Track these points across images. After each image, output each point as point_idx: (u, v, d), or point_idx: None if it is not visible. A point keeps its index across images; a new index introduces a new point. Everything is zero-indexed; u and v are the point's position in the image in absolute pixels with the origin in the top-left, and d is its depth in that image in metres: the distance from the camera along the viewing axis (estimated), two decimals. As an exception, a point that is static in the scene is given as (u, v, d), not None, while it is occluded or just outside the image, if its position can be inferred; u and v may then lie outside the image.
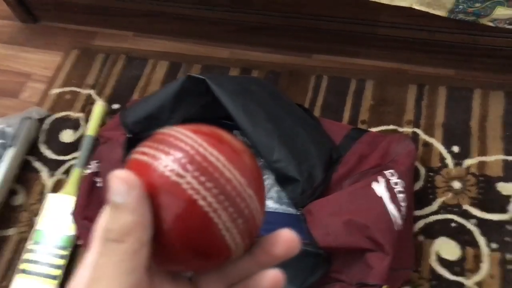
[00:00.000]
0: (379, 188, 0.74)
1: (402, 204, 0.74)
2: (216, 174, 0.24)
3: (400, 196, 0.74)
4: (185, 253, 0.25)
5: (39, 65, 1.26)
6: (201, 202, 0.23)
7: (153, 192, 0.24)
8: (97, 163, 0.90)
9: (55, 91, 1.20)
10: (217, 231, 0.24)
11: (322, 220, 0.72)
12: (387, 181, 0.75)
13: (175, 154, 0.24)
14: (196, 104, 0.86)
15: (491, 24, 0.85)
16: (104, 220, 0.26)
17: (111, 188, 0.24)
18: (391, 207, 0.72)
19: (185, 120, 0.85)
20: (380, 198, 0.72)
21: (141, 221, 0.23)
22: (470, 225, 0.89)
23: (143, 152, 0.25)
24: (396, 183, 0.75)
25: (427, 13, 0.84)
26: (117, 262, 0.23)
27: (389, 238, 0.69)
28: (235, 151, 0.25)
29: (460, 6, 0.80)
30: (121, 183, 0.23)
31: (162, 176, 0.24)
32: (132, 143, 0.86)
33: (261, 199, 0.26)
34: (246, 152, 0.26)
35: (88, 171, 0.92)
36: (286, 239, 0.26)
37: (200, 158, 0.24)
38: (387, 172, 0.77)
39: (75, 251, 0.96)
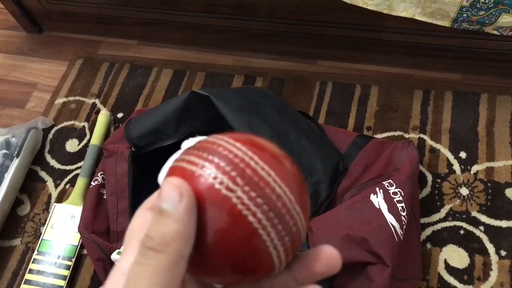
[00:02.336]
0: (378, 199, 0.73)
1: (402, 213, 0.73)
2: (267, 190, 0.23)
3: (400, 205, 0.73)
4: (225, 267, 0.24)
5: (44, 75, 1.27)
6: (251, 218, 0.23)
7: (199, 203, 0.23)
8: (102, 175, 0.90)
9: (60, 100, 1.20)
10: (264, 248, 0.23)
11: (321, 237, 0.71)
12: (386, 192, 0.74)
13: (225, 166, 0.23)
14: (201, 118, 0.85)
15: (495, 32, 0.83)
16: (137, 222, 0.26)
17: (161, 194, 0.22)
18: (390, 218, 0.71)
19: (190, 134, 0.85)
20: (379, 210, 0.72)
21: (184, 233, 0.22)
22: (478, 232, 0.87)
23: (189, 161, 0.24)
24: (395, 193, 0.74)
25: (431, 23, 0.84)
26: (153, 274, 0.22)
27: (389, 250, 0.68)
28: (281, 162, 0.24)
29: (464, 15, 0.79)
30: (173, 189, 0.22)
31: (211, 188, 0.23)
32: (136, 157, 0.86)
33: (307, 214, 0.25)
34: (289, 161, 0.25)
35: (94, 183, 0.92)
36: (328, 256, 0.25)
37: (251, 172, 0.23)
38: (385, 183, 0.76)
39: (79, 261, 0.96)
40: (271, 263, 0.24)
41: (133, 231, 0.26)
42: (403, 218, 0.73)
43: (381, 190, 0.75)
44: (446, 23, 0.83)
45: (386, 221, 0.71)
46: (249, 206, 0.23)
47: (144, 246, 0.23)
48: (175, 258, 0.22)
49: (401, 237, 0.71)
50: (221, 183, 0.23)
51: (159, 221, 0.22)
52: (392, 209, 0.73)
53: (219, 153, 0.24)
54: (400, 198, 0.74)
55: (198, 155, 0.24)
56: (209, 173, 0.23)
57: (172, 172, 0.25)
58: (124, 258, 0.25)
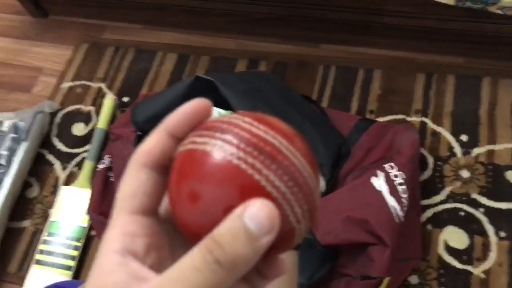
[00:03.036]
0: (378, 182, 0.75)
1: (403, 195, 0.74)
2: (285, 162, 0.23)
3: (401, 188, 0.75)
4: None
5: (50, 59, 1.28)
6: (269, 189, 0.22)
7: (216, 179, 0.23)
8: (109, 158, 0.91)
9: (66, 85, 1.22)
10: (286, 217, 0.23)
11: (322, 219, 0.73)
12: (387, 175, 0.76)
13: (239, 142, 0.23)
14: None
15: (499, 11, 0.84)
16: (130, 188, 0.25)
17: (254, 212, 0.21)
18: (390, 200, 0.73)
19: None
20: (379, 192, 0.73)
21: (254, 261, 0.21)
22: (478, 214, 0.89)
23: (203, 142, 0.24)
24: (396, 176, 0.76)
25: (435, 1, 0.84)
26: (206, 286, 0.21)
27: (389, 231, 0.70)
28: (294, 138, 0.25)
29: (468, -6, 0.80)
30: (268, 218, 0.21)
31: (228, 164, 0.23)
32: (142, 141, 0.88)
33: (318, 184, 0.25)
34: (302, 138, 0.25)
35: (102, 166, 0.94)
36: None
37: (269, 147, 0.23)
38: (386, 166, 0.77)
39: (88, 242, 0.98)
40: (292, 229, 0.23)
41: (124, 200, 0.25)
42: (403, 200, 0.75)
43: (382, 173, 0.77)
44: (450, 1, 0.83)
45: (387, 203, 0.73)
46: (268, 176, 0.23)
47: (212, 254, 0.21)
48: (235, 279, 0.21)
49: (402, 219, 0.73)
50: (239, 158, 0.23)
51: (238, 238, 0.21)
52: (393, 191, 0.75)
53: (232, 131, 0.24)
54: (401, 181, 0.75)
55: (209, 135, 0.24)
56: (222, 149, 0.23)
57: (181, 156, 0.24)
58: (115, 237, 0.24)
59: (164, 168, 0.26)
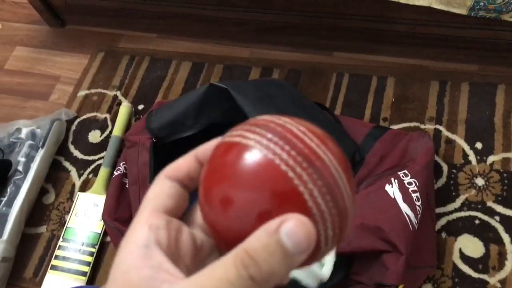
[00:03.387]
0: (393, 189, 0.74)
1: (417, 203, 0.74)
2: (318, 163, 0.22)
3: (414, 195, 0.74)
4: None
5: (67, 68, 1.30)
6: (304, 192, 0.21)
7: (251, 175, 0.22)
8: (124, 165, 0.92)
9: (83, 92, 1.23)
10: (317, 237, 0.22)
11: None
12: (400, 182, 0.76)
13: (278, 140, 0.22)
14: (219, 110, 0.88)
15: (513, 19, 0.84)
16: (155, 190, 0.26)
17: (290, 229, 0.20)
18: (404, 207, 0.72)
19: (208, 126, 0.87)
20: (394, 199, 0.73)
21: (285, 277, 0.21)
22: (494, 222, 0.88)
23: (243, 136, 0.23)
24: (410, 183, 0.75)
25: (448, 11, 0.84)
26: None
27: (403, 238, 0.70)
28: (329, 142, 0.24)
29: (481, 3, 0.79)
30: (306, 237, 0.21)
31: (270, 163, 0.22)
32: (157, 147, 0.89)
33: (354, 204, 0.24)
34: (335, 143, 0.24)
35: (117, 172, 0.95)
36: None
37: (306, 149, 0.22)
38: (400, 173, 0.77)
39: (102, 248, 0.99)
40: (319, 245, 0.22)
41: (148, 200, 0.26)
42: (417, 207, 0.75)
43: (396, 180, 0.77)
44: (463, 11, 0.83)
45: (401, 210, 0.72)
46: (306, 183, 0.21)
47: (247, 269, 0.20)
48: None
49: (416, 226, 0.72)
50: (281, 159, 0.22)
51: (275, 256, 0.20)
52: (407, 198, 0.74)
53: (273, 129, 0.23)
54: (415, 188, 0.75)
55: (251, 130, 0.23)
56: (263, 146, 0.22)
57: (222, 145, 0.24)
58: (139, 229, 0.24)
59: (186, 188, 0.27)
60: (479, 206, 0.90)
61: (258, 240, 0.21)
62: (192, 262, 0.25)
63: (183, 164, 0.27)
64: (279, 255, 0.20)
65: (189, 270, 0.25)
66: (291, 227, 0.20)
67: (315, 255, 0.22)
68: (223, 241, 0.23)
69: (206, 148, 0.27)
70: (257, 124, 0.24)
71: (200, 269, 0.22)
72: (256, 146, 0.22)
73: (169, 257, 0.23)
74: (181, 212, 0.27)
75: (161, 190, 0.26)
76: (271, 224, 0.21)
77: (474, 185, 0.92)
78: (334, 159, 0.23)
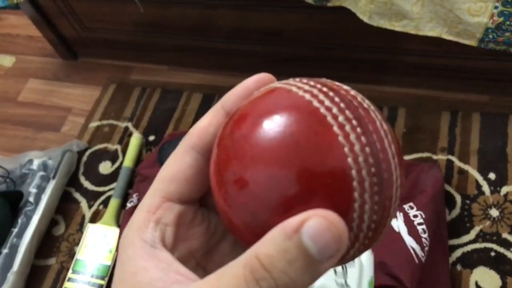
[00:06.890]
0: (397, 223, 0.74)
1: (423, 235, 0.73)
2: (370, 127, 0.18)
3: (420, 228, 0.74)
4: None
5: (78, 100, 1.32)
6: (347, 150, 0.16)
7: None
8: (137, 196, 0.92)
9: (94, 124, 1.24)
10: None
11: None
12: (405, 215, 0.75)
13: (334, 95, 0.18)
14: None
15: (523, 51, 0.84)
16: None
17: (316, 232, 0.16)
18: (409, 240, 0.72)
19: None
20: (398, 233, 0.72)
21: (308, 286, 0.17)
22: (510, 254, 0.86)
23: (297, 86, 0.19)
24: (415, 215, 0.75)
25: (458, 42, 0.85)
26: None
27: (408, 272, 0.69)
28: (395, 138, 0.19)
29: (490, 36, 0.80)
30: (335, 240, 0.16)
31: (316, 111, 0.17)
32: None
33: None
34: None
35: (130, 204, 0.95)
36: None
37: (370, 124, 0.18)
38: (405, 206, 0.77)
39: (111, 281, 0.98)
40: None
41: (162, 181, 0.22)
42: (424, 240, 0.74)
43: (400, 214, 0.76)
44: (472, 42, 0.84)
45: (406, 244, 0.72)
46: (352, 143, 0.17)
47: (259, 284, 0.16)
48: None
49: (422, 259, 0.71)
50: (327, 109, 0.17)
51: (295, 264, 0.16)
52: (412, 231, 0.74)
53: (327, 84, 0.19)
54: (421, 220, 0.74)
55: (309, 83, 0.19)
56: (314, 97, 0.18)
57: (275, 91, 0.19)
58: (145, 223, 0.21)
59: None
60: (494, 238, 0.88)
61: (273, 243, 0.16)
62: (203, 252, 0.23)
63: (210, 123, 0.22)
64: (300, 264, 0.16)
65: (199, 263, 0.22)
66: (316, 225, 0.16)
67: (342, 258, 0.18)
68: (238, 237, 0.19)
69: (234, 95, 0.21)
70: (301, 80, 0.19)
71: (212, 257, 0.19)
72: (293, 89, 0.17)
73: (176, 256, 0.21)
74: (202, 192, 0.22)
75: (178, 170, 0.21)
76: (290, 222, 0.16)
77: (489, 216, 0.91)
78: (390, 134, 0.18)
